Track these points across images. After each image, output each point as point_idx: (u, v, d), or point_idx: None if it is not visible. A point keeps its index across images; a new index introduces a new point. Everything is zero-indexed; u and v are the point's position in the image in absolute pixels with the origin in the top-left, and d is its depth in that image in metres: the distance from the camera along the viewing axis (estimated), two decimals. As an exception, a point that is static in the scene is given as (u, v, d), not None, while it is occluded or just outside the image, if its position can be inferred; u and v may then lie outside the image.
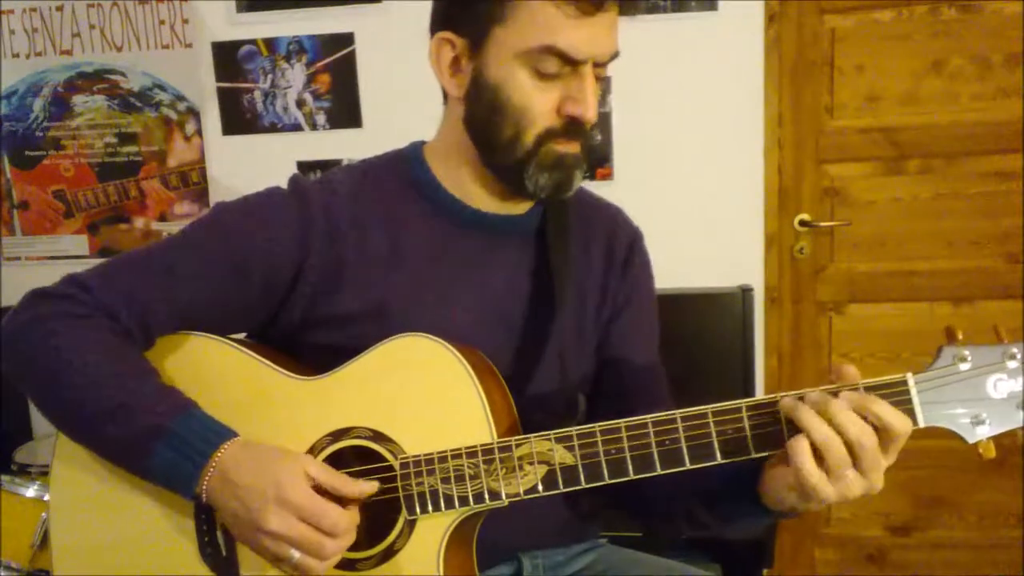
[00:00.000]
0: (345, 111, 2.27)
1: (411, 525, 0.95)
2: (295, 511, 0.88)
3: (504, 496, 0.92)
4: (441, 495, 0.93)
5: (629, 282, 1.15)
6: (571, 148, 1.00)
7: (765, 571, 1.94)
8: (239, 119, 2.32)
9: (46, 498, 1.58)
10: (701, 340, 1.99)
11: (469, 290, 1.07)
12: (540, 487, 0.91)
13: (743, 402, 0.87)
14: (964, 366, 0.83)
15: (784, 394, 0.86)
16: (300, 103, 2.28)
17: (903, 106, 2.14)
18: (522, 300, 1.09)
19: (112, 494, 1.01)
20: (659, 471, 0.89)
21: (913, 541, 2.35)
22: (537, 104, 0.97)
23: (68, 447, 1.01)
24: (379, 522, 0.95)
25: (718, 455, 0.88)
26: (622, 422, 0.90)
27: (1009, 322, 0.90)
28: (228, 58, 2.28)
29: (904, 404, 0.83)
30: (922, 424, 0.84)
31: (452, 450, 0.93)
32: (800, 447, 0.81)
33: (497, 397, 0.96)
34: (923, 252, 2.20)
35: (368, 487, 0.93)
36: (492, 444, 0.92)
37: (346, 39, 2.24)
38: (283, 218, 1.02)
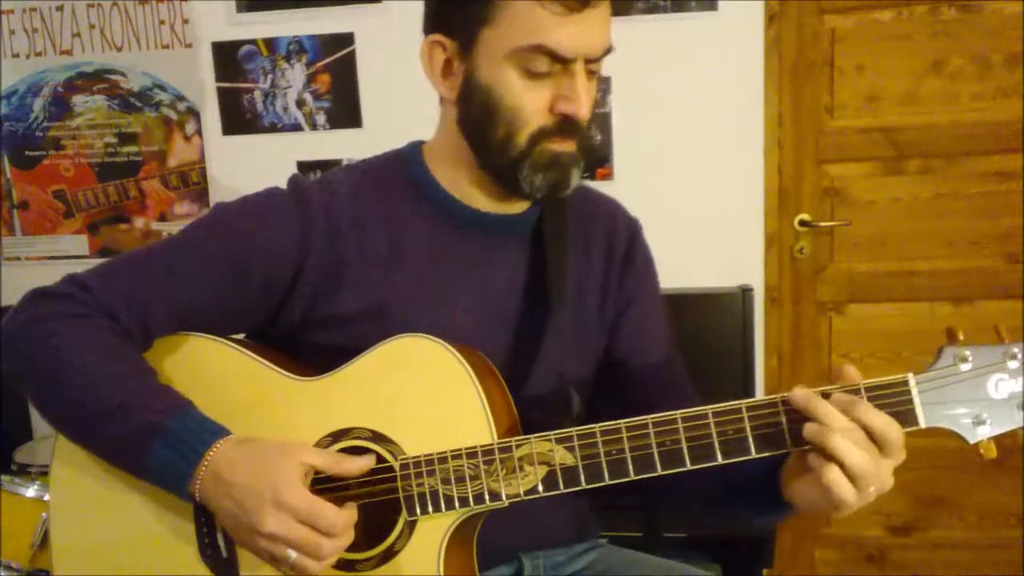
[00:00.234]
0: (345, 111, 2.27)
1: (411, 526, 0.95)
2: (292, 512, 0.88)
3: (504, 497, 0.92)
4: (441, 496, 0.93)
5: (631, 278, 1.15)
6: (566, 147, 0.99)
7: (765, 571, 1.94)
8: (239, 119, 2.31)
9: (46, 498, 1.58)
10: (701, 340, 1.99)
11: (469, 290, 1.07)
12: (540, 488, 0.91)
13: (743, 403, 0.87)
14: (965, 366, 0.83)
15: (785, 395, 0.86)
16: (300, 103, 2.28)
17: (903, 106, 2.14)
18: (521, 300, 1.09)
19: (112, 494, 1.00)
20: (659, 472, 0.89)
21: (913, 541, 2.35)
22: (529, 104, 0.97)
23: (68, 447, 1.01)
24: (379, 523, 0.95)
25: (719, 455, 0.88)
26: (622, 422, 0.90)
27: (1009, 322, 0.89)
28: (228, 58, 2.28)
29: (905, 404, 0.83)
30: (923, 424, 0.84)
31: (452, 451, 0.93)
32: (834, 477, 0.81)
33: (497, 397, 0.96)
34: (923, 252, 2.20)
35: (366, 462, 0.93)
36: (492, 445, 0.92)
37: (346, 39, 2.24)
38: (283, 218, 1.02)
